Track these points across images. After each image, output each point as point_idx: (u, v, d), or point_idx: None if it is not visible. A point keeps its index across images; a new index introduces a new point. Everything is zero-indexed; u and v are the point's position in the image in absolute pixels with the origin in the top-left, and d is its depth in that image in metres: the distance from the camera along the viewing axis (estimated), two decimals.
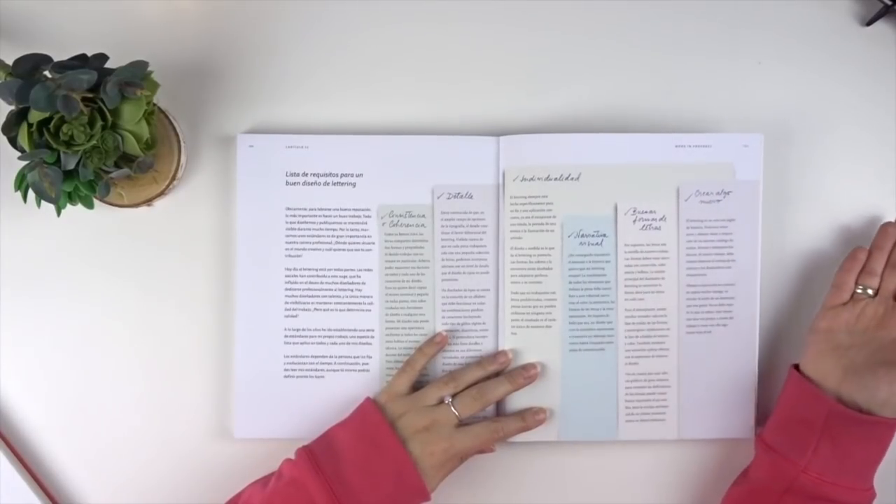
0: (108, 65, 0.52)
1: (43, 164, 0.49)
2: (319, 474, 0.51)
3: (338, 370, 0.59)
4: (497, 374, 0.57)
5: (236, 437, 0.58)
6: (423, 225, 0.58)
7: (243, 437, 0.58)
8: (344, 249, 0.58)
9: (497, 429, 0.55)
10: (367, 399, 0.55)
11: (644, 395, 0.58)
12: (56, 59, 0.50)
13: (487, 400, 0.55)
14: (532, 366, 0.57)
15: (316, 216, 0.58)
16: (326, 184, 0.58)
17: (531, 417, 0.56)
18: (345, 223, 0.59)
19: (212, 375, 0.59)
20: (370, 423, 0.54)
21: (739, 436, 0.58)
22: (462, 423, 0.54)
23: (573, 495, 0.60)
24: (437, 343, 0.57)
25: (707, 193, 0.58)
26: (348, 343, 0.59)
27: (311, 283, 0.58)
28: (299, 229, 0.58)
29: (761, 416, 0.58)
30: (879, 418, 0.50)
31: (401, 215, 0.58)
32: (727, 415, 0.58)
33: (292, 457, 0.53)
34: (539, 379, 0.58)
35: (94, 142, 0.50)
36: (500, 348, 0.58)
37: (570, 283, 0.58)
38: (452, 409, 0.54)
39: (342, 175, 0.58)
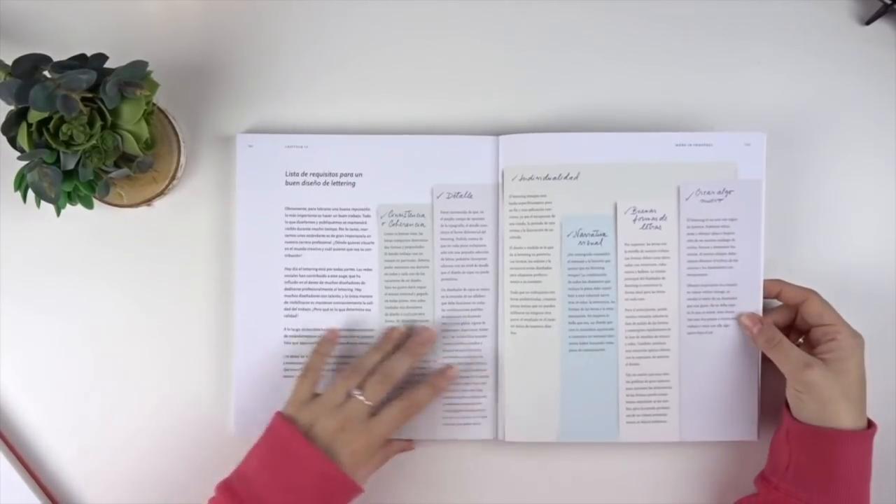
0: (107, 65, 0.52)
1: (42, 164, 0.50)
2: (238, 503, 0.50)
3: (338, 370, 0.58)
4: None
5: (236, 437, 0.58)
6: (422, 224, 0.58)
7: (243, 437, 0.58)
8: (343, 249, 0.58)
9: (409, 404, 0.54)
10: (277, 414, 0.54)
11: (645, 396, 0.58)
12: (55, 59, 0.51)
13: (393, 378, 0.54)
14: (424, 328, 0.57)
15: (315, 216, 0.58)
16: (326, 183, 0.58)
17: (439, 379, 0.56)
18: (344, 223, 0.58)
19: (211, 375, 0.59)
20: (283, 438, 0.52)
21: (742, 438, 0.58)
22: (375, 411, 0.53)
23: (573, 497, 0.60)
24: (331, 340, 0.57)
25: (708, 192, 0.57)
26: (348, 343, 0.58)
27: (310, 282, 0.58)
28: (299, 229, 0.58)
29: (764, 418, 0.58)
30: (824, 430, 0.51)
31: (400, 215, 0.58)
32: (729, 417, 0.58)
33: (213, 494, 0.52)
34: (539, 379, 0.57)
35: (93, 142, 0.50)
36: (500, 348, 0.58)
37: (569, 282, 0.58)
38: (362, 398, 0.53)
39: (342, 175, 0.58)
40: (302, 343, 0.58)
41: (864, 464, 0.52)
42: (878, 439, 0.52)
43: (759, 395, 0.58)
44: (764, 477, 0.55)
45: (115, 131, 0.51)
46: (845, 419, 0.51)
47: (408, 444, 0.58)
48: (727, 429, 0.58)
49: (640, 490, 0.60)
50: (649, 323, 0.58)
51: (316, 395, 0.54)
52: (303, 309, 0.58)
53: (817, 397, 0.51)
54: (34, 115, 0.49)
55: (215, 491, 0.52)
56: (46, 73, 0.50)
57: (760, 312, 0.57)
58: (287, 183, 0.58)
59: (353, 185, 0.58)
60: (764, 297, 0.57)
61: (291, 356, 0.58)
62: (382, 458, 0.56)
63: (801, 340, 0.57)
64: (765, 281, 0.57)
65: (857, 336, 0.53)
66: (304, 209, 0.58)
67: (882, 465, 0.53)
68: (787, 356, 0.53)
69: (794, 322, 0.57)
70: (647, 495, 0.60)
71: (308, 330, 0.58)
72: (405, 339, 0.57)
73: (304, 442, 0.51)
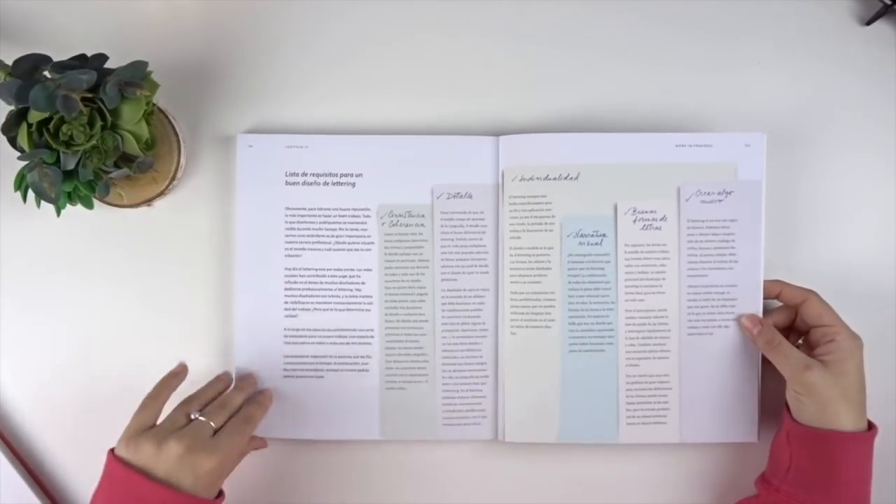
0: (107, 65, 0.52)
1: (43, 165, 0.50)
2: None
3: (337, 370, 0.58)
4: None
5: None
6: (422, 225, 0.58)
7: None
8: (343, 249, 0.58)
9: (246, 418, 0.54)
10: (110, 453, 0.51)
11: (645, 397, 0.58)
12: (56, 59, 0.51)
13: (231, 406, 0.54)
14: (253, 383, 0.57)
15: (315, 216, 0.58)
16: (326, 184, 0.58)
17: (262, 399, 0.56)
18: (344, 223, 0.58)
19: (212, 375, 0.59)
20: (120, 479, 0.49)
21: (742, 440, 0.58)
22: (216, 432, 0.52)
23: (572, 498, 0.60)
24: (178, 374, 0.57)
25: (708, 193, 0.57)
26: (348, 343, 0.58)
27: (310, 282, 0.58)
28: (299, 229, 0.58)
29: (764, 420, 0.58)
30: (825, 431, 0.51)
31: (400, 215, 0.58)
32: (729, 418, 0.58)
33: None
34: (539, 379, 0.57)
35: (93, 142, 0.50)
36: (499, 348, 0.58)
37: (569, 283, 0.58)
38: (204, 419, 0.52)
39: (342, 175, 0.58)
40: (302, 343, 0.58)
41: (864, 466, 0.52)
42: (878, 441, 0.52)
43: (760, 396, 0.58)
44: (765, 479, 0.55)
45: (115, 131, 0.51)
46: (846, 421, 0.51)
47: (261, 442, 0.57)
48: (727, 430, 0.58)
49: (640, 491, 0.60)
50: (649, 324, 0.58)
51: (151, 427, 0.52)
52: (303, 309, 0.58)
53: (817, 399, 0.51)
54: (34, 116, 0.49)
55: None
56: (47, 73, 0.50)
57: (760, 313, 0.57)
58: (287, 183, 0.58)
59: (353, 185, 0.58)
60: (764, 298, 0.57)
61: (291, 356, 0.58)
62: (230, 470, 0.53)
63: (800, 342, 0.57)
64: (765, 282, 0.57)
65: (855, 338, 0.53)
66: (304, 209, 0.58)
67: (882, 466, 0.53)
68: (787, 358, 0.53)
69: (793, 323, 0.57)
70: (647, 497, 0.60)
71: (308, 330, 0.58)
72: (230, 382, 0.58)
73: (143, 479, 0.49)
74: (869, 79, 0.60)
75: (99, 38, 0.57)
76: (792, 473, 0.52)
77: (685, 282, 0.58)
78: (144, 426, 0.52)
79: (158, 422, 0.52)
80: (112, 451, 0.51)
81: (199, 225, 0.60)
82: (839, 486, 0.51)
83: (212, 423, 0.52)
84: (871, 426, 0.53)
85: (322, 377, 0.58)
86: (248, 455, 0.56)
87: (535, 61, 0.60)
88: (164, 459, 0.49)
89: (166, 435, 0.50)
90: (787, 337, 0.55)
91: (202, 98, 0.60)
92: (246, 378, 0.57)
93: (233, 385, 0.57)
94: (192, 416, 0.52)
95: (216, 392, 0.56)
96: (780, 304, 0.58)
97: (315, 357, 0.58)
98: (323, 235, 0.58)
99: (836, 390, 0.51)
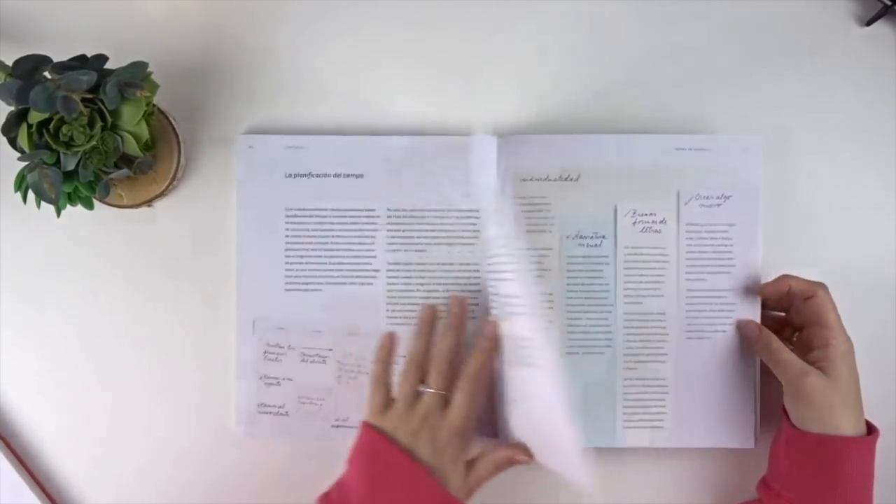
0: (108, 65, 0.52)
1: (43, 165, 0.50)
2: None
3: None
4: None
5: (236, 438, 0.58)
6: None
7: (244, 437, 0.58)
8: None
9: (471, 379, 0.53)
10: (364, 424, 0.53)
11: (643, 401, 0.58)
12: (56, 59, 0.51)
13: (446, 359, 0.54)
14: (454, 296, 0.56)
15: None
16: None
17: (483, 341, 0.54)
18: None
19: (212, 375, 0.59)
20: (372, 446, 0.52)
21: (740, 446, 0.58)
22: (448, 398, 0.53)
23: (571, 500, 0.60)
24: (385, 346, 0.56)
25: (707, 197, 0.57)
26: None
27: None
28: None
29: (761, 426, 0.58)
30: (826, 437, 0.51)
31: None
32: (727, 424, 0.57)
33: None
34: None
35: (93, 142, 0.50)
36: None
37: (567, 284, 0.58)
38: (431, 391, 0.53)
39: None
40: None
41: (866, 469, 0.52)
42: (879, 442, 0.52)
43: (758, 402, 0.58)
44: (766, 483, 0.55)
45: (115, 132, 0.51)
46: (846, 426, 0.51)
47: (520, 453, 0.54)
48: (724, 436, 0.58)
49: (638, 495, 0.60)
50: (648, 327, 0.58)
51: (390, 403, 0.53)
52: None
53: (816, 405, 0.51)
54: (34, 116, 0.49)
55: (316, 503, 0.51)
56: (47, 73, 0.50)
57: (759, 318, 0.57)
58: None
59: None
60: (772, 296, 0.56)
61: None
62: (491, 468, 0.53)
63: (794, 339, 0.57)
64: (772, 279, 0.56)
65: (849, 341, 0.53)
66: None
67: (883, 468, 0.53)
68: (785, 364, 0.53)
69: (788, 319, 0.57)
70: (645, 500, 0.60)
71: None
72: (436, 315, 0.57)
73: (394, 449, 0.51)
74: (869, 79, 0.60)
75: (99, 38, 0.57)
76: (793, 479, 0.52)
77: (684, 285, 0.58)
78: (380, 408, 0.53)
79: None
80: (364, 421, 0.53)
81: (199, 226, 0.60)
82: (841, 491, 0.51)
83: (441, 393, 0.52)
84: (871, 429, 0.53)
85: None
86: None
87: (536, 62, 0.60)
88: (402, 439, 0.51)
89: (399, 416, 0.52)
90: (782, 332, 0.55)
91: (202, 98, 0.60)
92: (453, 305, 0.56)
93: (435, 323, 0.56)
94: (420, 390, 0.53)
95: (426, 340, 0.55)
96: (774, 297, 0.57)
97: None
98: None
99: (834, 396, 0.51)
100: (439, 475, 0.51)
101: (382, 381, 0.54)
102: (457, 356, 0.54)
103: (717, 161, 0.57)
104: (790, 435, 0.53)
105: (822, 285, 0.54)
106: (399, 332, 0.57)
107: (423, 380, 0.53)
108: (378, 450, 0.51)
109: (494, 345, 0.54)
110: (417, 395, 0.53)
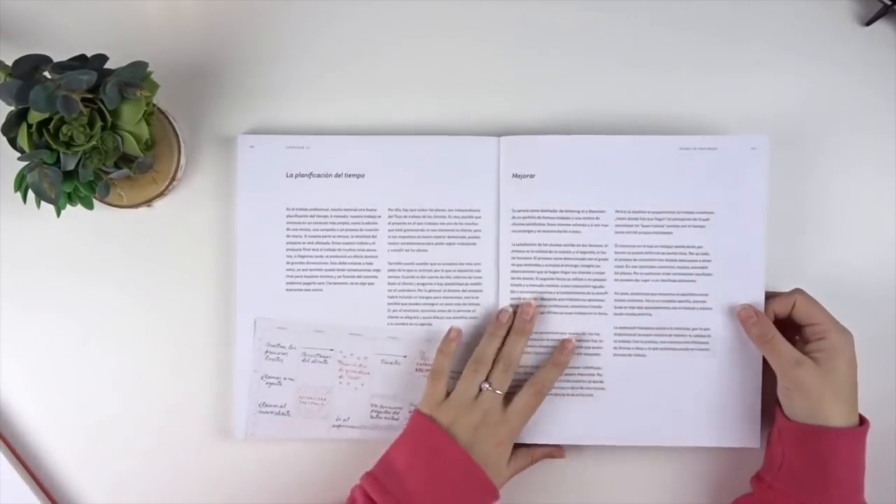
0: (108, 65, 0.52)
1: (43, 165, 0.50)
2: (387, 495, 0.51)
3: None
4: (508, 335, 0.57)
5: (237, 438, 0.58)
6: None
7: (244, 438, 0.58)
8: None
9: (538, 388, 0.55)
10: (417, 411, 0.55)
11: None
12: (56, 59, 0.50)
13: (515, 363, 0.56)
14: (528, 304, 0.57)
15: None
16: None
17: (560, 356, 0.56)
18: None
19: (213, 375, 0.59)
20: (426, 434, 0.54)
21: (744, 445, 0.58)
22: (507, 400, 0.55)
23: (571, 499, 0.60)
24: (453, 339, 0.57)
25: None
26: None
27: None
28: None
29: (766, 425, 0.57)
30: (815, 427, 0.51)
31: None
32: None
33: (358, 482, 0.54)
34: None
35: (93, 142, 0.50)
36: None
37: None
38: (493, 390, 0.54)
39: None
40: None
41: (857, 461, 0.52)
42: (876, 438, 0.52)
43: (762, 402, 0.57)
44: (759, 476, 0.55)
45: (115, 132, 0.51)
46: (836, 417, 0.51)
47: (557, 451, 0.58)
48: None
49: (640, 493, 0.60)
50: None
51: (448, 395, 0.55)
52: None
53: (807, 395, 0.52)
54: (34, 116, 0.49)
55: (360, 480, 0.53)
56: (47, 73, 0.50)
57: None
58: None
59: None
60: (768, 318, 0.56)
61: None
62: (527, 461, 0.57)
63: (797, 337, 0.57)
64: (753, 318, 0.56)
65: (846, 333, 0.53)
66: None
67: (881, 463, 0.53)
68: (779, 353, 0.53)
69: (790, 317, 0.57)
70: (647, 499, 0.60)
71: None
72: (512, 319, 0.57)
73: (448, 439, 0.53)
74: (869, 80, 0.60)
75: (99, 38, 0.57)
76: (784, 470, 0.53)
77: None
78: (440, 397, 0.55)
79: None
80: (418, 409, 0.55)
81: (199, 226, 0.60)
82: (831, 482, 0.51)
83: (500, 393, 0.55)
84: (863, 421, 0.53)
85: None
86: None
87: (537, 63, 0.60)
88: (461, 432, 0.53)
89: (458, 409, 0.54)
90: (786, 330, 0.55)
91: (202, 98, 0.60)
92: (525, 311, 0.57)
93: (504, 326, 0.57)
94: (482, 387, 0.54)
95: (498, 343, 0.56)
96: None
97: None
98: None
99: (825, 387, 0.51)
100: (488, 470, 0.53)
101: (444, 373, 0.56)
102: (519, 362, 0.56)
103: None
104: (782, 425, 0.53)
105: (797, 291, 0.55)
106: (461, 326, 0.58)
107: (486, 379, 0.55)
108: (432, 438, 0.53)
109: (568, 360, 0.57)
110: (479, 392, 0.55)
